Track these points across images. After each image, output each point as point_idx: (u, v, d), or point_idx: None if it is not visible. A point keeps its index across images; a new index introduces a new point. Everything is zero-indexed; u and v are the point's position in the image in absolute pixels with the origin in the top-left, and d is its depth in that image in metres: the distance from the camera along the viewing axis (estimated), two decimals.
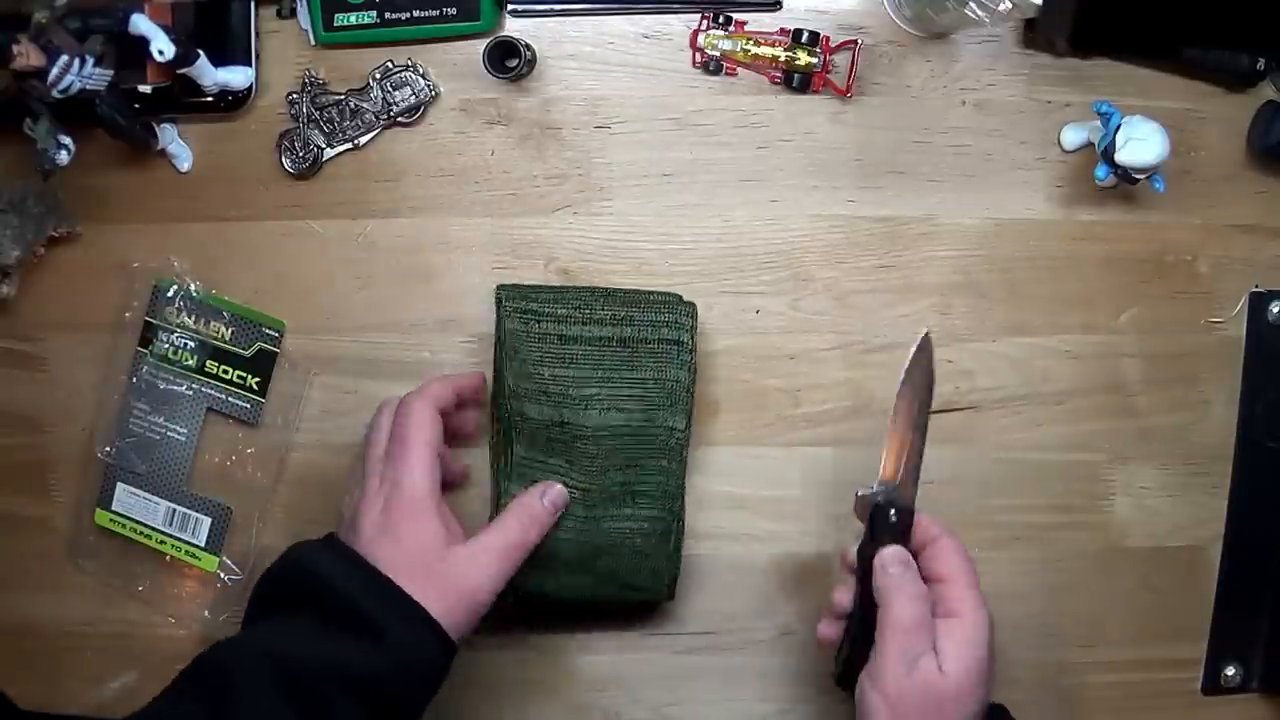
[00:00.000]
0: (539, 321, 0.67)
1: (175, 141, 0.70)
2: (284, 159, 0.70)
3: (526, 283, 0.69)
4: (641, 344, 0.67)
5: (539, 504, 0.63)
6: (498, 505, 0.68)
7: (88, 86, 0.60)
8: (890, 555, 0.59)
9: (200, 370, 0.71)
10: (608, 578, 0.67)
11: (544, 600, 0.68)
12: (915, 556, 0.60)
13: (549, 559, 0.66)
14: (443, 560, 0.58)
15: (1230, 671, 0.73)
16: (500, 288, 0.69)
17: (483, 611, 0.59)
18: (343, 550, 0.59)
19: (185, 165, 0.71)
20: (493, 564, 0.60)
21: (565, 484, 0.66)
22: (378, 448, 0.63)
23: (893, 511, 0.60)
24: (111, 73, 0.62)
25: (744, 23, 0.69)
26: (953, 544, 0.60)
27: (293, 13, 0.69)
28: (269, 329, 0.71)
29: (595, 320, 0.67)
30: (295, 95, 0.69)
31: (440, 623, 0.56)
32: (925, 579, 0.59)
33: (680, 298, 0.68)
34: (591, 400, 0.66)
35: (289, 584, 0.58)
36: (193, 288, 0.71)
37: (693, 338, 0.67)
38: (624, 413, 0.67)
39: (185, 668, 0.55)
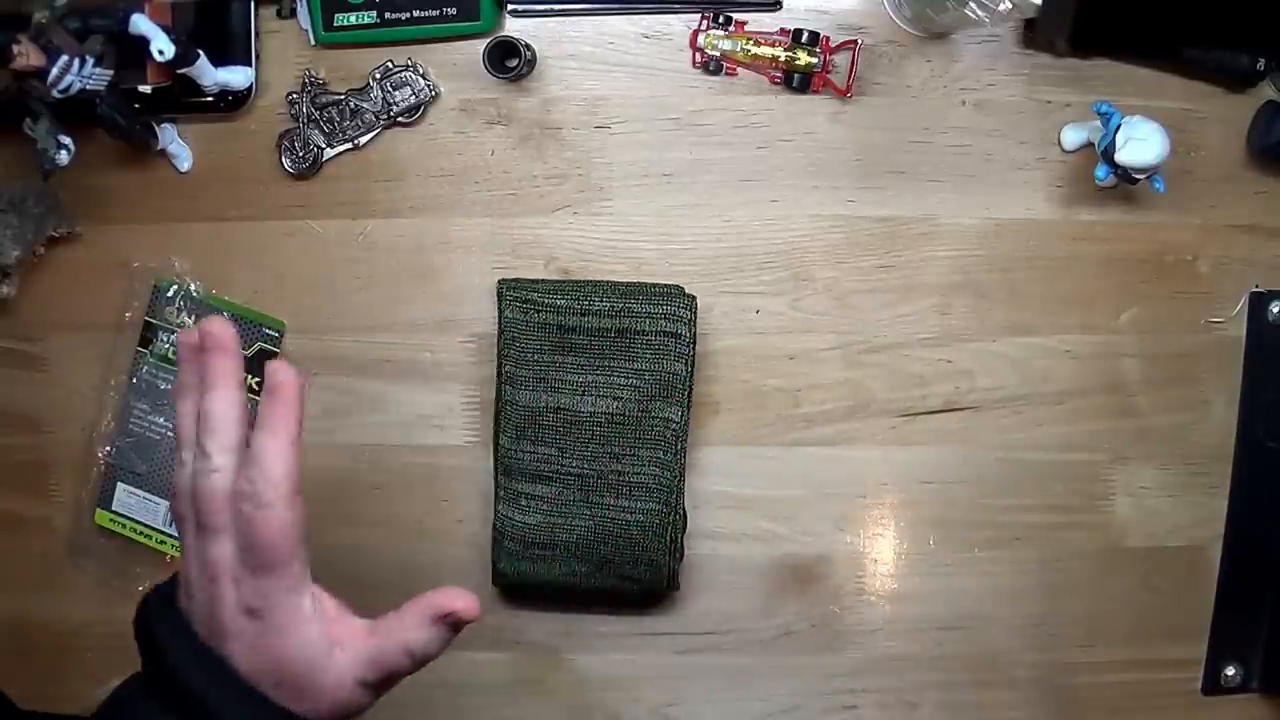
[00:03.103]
0: (538, 311, 0.67)
1: (175, 141, 0.70)
2: (284, 159, 0.70)
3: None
4: (639, 335, 0.67)
5: (433, 636, 0.48)
6: (497, 497, 0.69)
7: (88, 86, 0.60)
8: None
9: None
10: (603, 566, 0.68)
11: (541, 586, 0.68)
12: None
13: (545, 545, 0.67)
14: (317, 679, 0.46)
15: (1230, 671, 0.73)
16: (502, 281, 0.69)
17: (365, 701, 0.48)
18: (197, 647, 0.46)
19: (185, 165, 0.71)
20: (369, 682, 0.48)
21: (558, 470, 0.67)
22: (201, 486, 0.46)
23: None
24: (111, 73, 0.62)
25: (744, 23, 0.69)
26: None
27: (293, 13, 0.69)
28: (269, 329, 0.71)
29: (594, 312, 0.67)
30: (295, 95, 0.69)
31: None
32: None
33: (681, 290, 0.68)
34: (588, 388, 0.67)
35: (151, 668, 0.47)
36: (193, 288, 0.71)
37: (691, 330, 0.67)
38: (620, 401, 0.67)
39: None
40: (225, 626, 0.46)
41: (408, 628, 0.47)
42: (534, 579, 0.68)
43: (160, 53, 0.61)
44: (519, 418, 0.68)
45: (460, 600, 0.47)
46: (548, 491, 0.68)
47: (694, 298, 0.68)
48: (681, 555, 0.70)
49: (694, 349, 0.68)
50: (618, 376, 0.67)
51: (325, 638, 0.47)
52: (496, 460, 0.69)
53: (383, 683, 0.48)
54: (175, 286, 0.71)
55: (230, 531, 0.45)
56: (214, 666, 0.45)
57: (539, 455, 0.68)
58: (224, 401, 0.46)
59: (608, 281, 0.68)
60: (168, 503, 0.72)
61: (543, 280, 0.69)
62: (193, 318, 0.71)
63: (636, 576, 0.68)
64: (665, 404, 0.67)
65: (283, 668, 0.46)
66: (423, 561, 0.72)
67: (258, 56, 0.69)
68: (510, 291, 0.68)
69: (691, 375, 0.68)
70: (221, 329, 0.46)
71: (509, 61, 0.67)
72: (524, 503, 0.68)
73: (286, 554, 0.45)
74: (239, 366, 0.47)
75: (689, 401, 0.68)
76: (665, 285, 0.68)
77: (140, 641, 0.47)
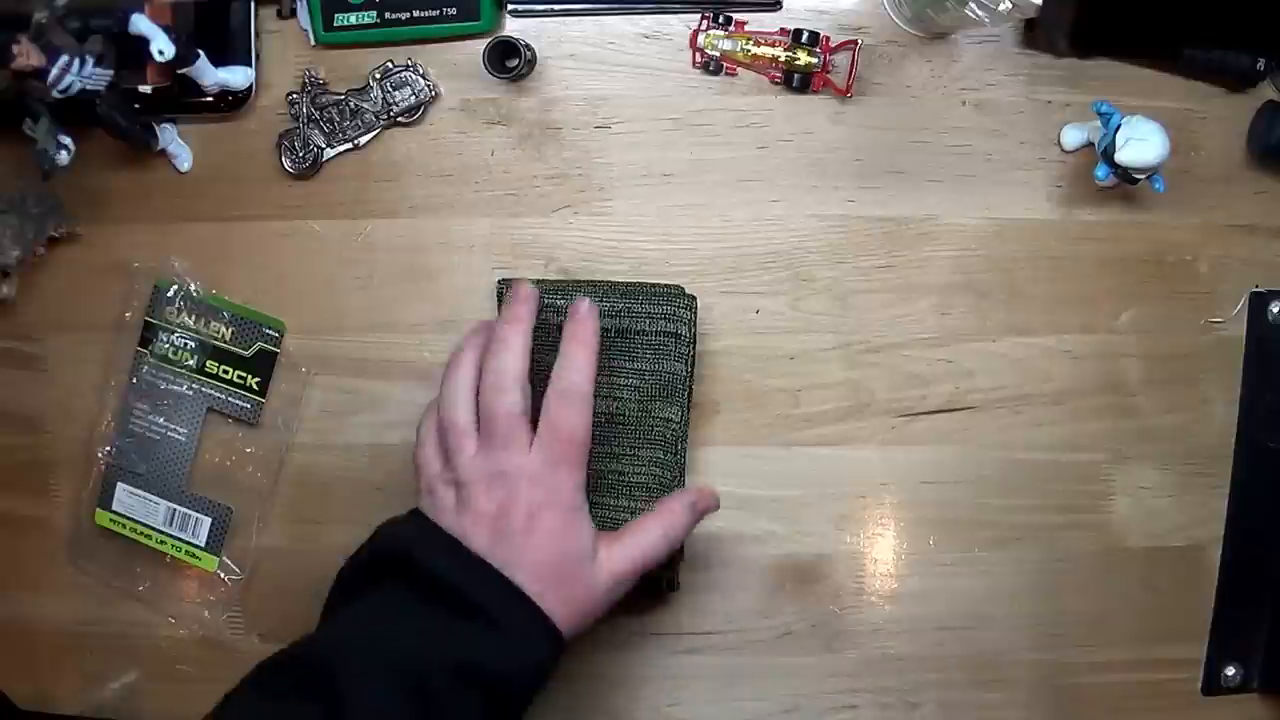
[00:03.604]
0: (539, 311, 0.67)
1: (175, 141, 0.70)
2: (284, 159, 0.70)
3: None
4: (639, 335, 0.67)
5: (689, 513, 0.60)
6: None
7: (88, 86, 0.60)
8: None
9: (200, 370, 0.71)
10: None
11: None
12: None
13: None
14: (580, 572, 0.56)
15: (1230, 671, 0.73)
16: (501, 281, 0.69)
17: (600, 615, 0.57)
18: (460, 551, 0.55)
19: (185, 165, 0.71)
20: (622, 574, 0.57)
21: None
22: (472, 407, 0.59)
23: None
24: (111, 73, 0.62)
25: (744, 23, 0.69)
26: None
27: (293, 13, 0.69)
28: (269, 329, 0.71)
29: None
30: (295, 95, 0.69)
31: (558, 625, 0.54)
32: None
33: (681, 290, 0.68)
34: None
35: (393, 570, 0.55)
36: (193, 288, 0.71)
37: (691, 330, 0.67)
38: (619, 401, 0.67)
39: (272, 663, 0.53)
40: (514, 527, 0.55)
41: (664, 518, 0.58)
42: None
43: (160, 53, 0.61)
44: None
45: (711, 494, 0.61)
46: None
47: (694, 297, 0.67)
48: (682, 555, 0.70)
49: (694, 349, 0.68)
50: (618, 377, 0.67)
51: (593, 533, 0.57)
52: None
53: (632, 576, 0.57)
54: (175, 286, 0.71)
55: (526, 440, 0.56)
56: (495, 577, 0.54)
57: None
58: (519, 337, 0.59)
59: (607, 281, 0.69)
60: (168, 502, 0.72)
61: (542, 280, 0.69)
62: (193, 318, 0.71)
63: None
64: (665, 404, 0.67)
65: (562, 565, 0.55)
66: None
67: (258, 56, 0.69)
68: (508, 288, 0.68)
69: (691, 375, 0.68)
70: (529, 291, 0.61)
71: (509, 61, 0.67)
72: None
73: (584, 446, 0.57)
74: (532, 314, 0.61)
75: (689, 401, 0.68)
76: (665, 285, 0.68)
77: (398, 558, 0.55)
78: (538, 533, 0.55)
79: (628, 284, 0.68)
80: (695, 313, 0.67)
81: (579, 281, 0.69)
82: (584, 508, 0.57)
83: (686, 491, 0.61)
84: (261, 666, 0.53)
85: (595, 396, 0.66)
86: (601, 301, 0.67)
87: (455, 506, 0.57)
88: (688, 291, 0.68)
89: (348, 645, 0.52)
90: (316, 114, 0.69)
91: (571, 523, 0.56)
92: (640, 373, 0.67)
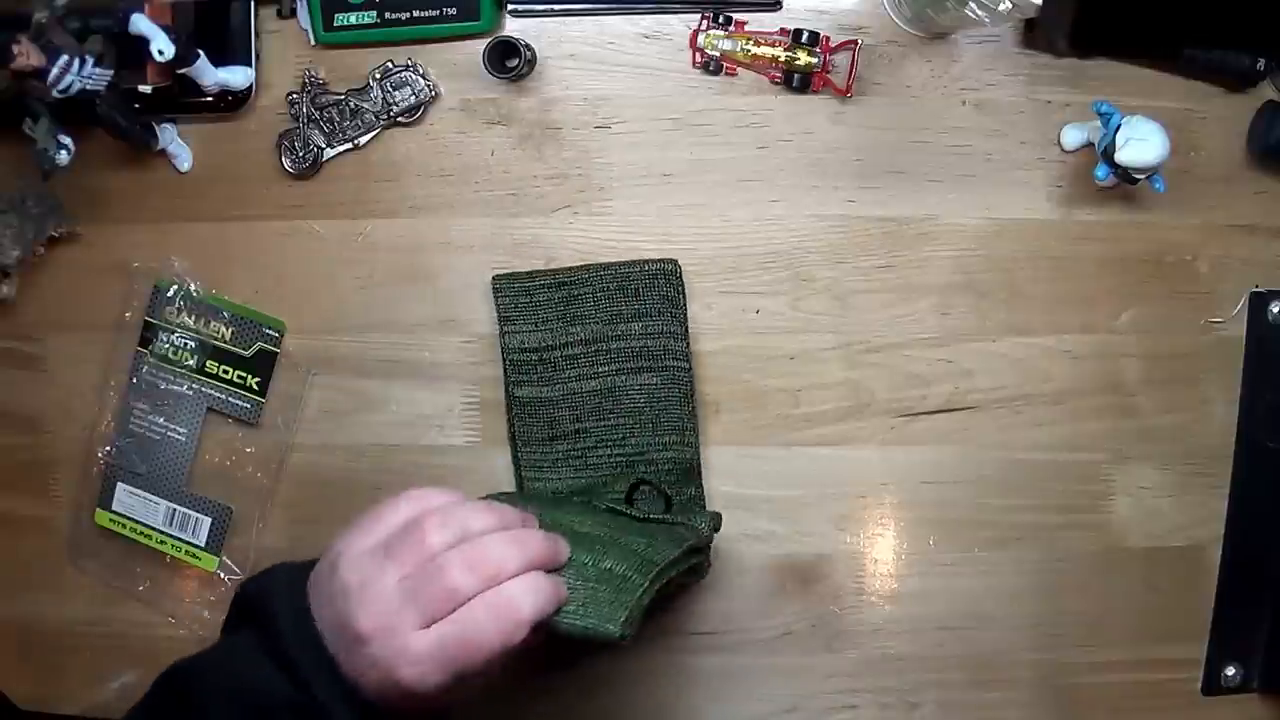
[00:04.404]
0: (534, 302, 0.69)
1: (175, 141, 0.70)
2: (284, 159, 0.70)
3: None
4: (635, 312, 0.69)
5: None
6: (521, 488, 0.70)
7: (88, 86, 0.60)
8: None
9: (200, 370, 0.71)
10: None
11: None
12: None
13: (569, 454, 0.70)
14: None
15: (1230, 671, 0.73)
16: (496, 277, 0.69)
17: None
18: (309, 631, 0.50)
19: (185, 165, 0.71)
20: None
21: (576, 449, 0.69)
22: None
23: None
24: (111, 73, 0.62)
25: (744, 23, 0.69)
26: None
27: (293, 13, 0.69)
28: (269, 329, 0.71)
29: (587, 296, 0.69)
30: (295, 95, 0.69)
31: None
32: None
33: (663, 261, 0.68)
34: (588, 366, 0.69)
35: (252, 615, 0.52)
36: (193, 288, 0.71)
37: (683, 326, 0.68)
38: (620, 372, 0.69)
39: (161, 676, 0.52)
40: (374, 667, 0.49)
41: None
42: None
43: (160, 53, 0.61)
44: (530, 415, 0.68)
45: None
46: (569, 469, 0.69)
47: (675, 261, 0.68)
48: (703, 506, 0.70)
49: (688, 337, 0.69)
50: (617, 344, 0.68)
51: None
52: (516, 463, 0.70)
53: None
54: (175, 286, 0.71)
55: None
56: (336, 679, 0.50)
57: (557, 450, 0.69)
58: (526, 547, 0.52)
59: (597, 263, 0.69)
60: (168, 502, 0.72)
61: (536, 271, 0.69)
62: (193, 318, 0.71)
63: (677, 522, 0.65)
64: (676, 357, 0.69)
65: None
66: None
67: (258, 56, 0.69)
68: (506, 284, 0.69)
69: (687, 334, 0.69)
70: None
71: (509, 61, 0.67)
72: (557, 453, 0.69)
73: (478, 667, 0.50)
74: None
75: (687, 349, 0.69)
76: (643, 261, 0.68)
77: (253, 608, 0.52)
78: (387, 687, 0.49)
79: (615, 264, 0.69)
80: (686, 320, 0.68)
81: (570, 268, 0.69)
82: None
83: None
84: (156, 681, 0.53)
85: (596, 376, 0.67)
86: (593, 285, 0.68)
87: (348, 593, 0.50)
88: (667, 259, 0.68)
89: (209, 672, 0.51)
90: (316, 114, 0.69)
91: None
92: (641, 338, 0.68)
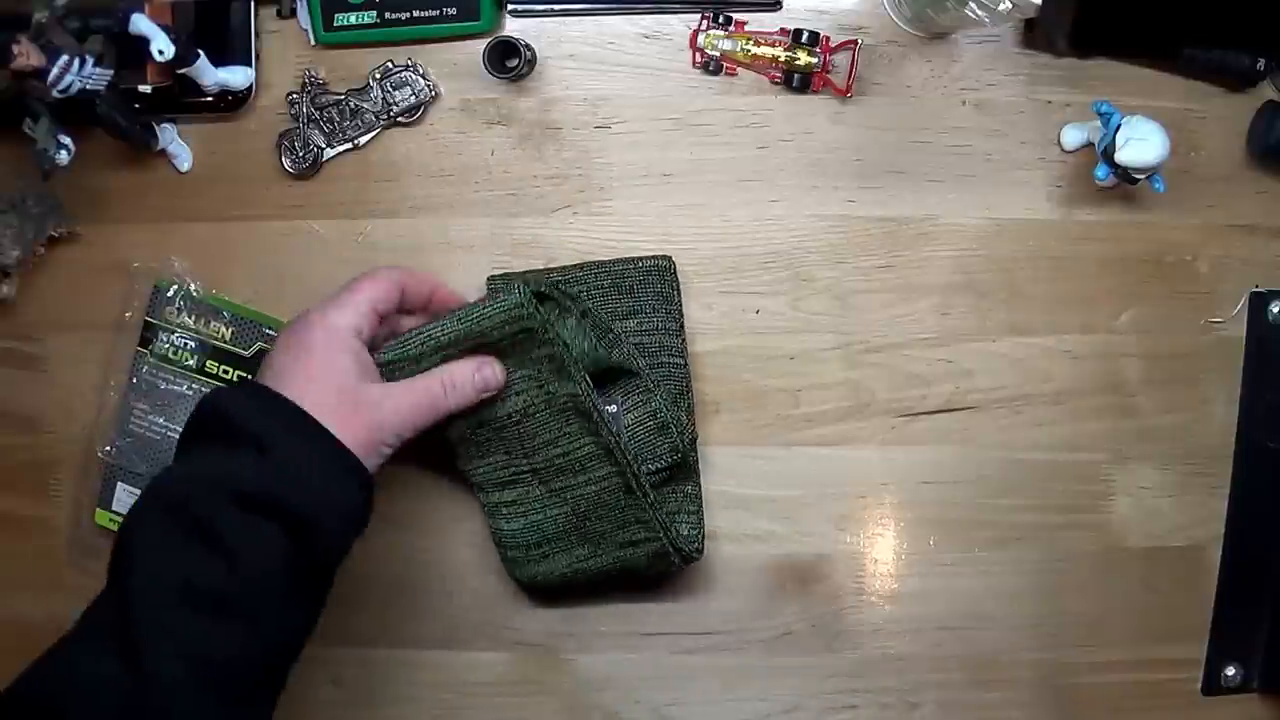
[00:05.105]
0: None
1: (175, 141, 0.70)
2: (284, 159, 0.70)
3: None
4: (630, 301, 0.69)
5: (470, 376, 0.62)
6: (483, 510, 0.69)
7: (88, 86, 0.60)
8: None
9: (200, 370, 0.71)
10: (600, 541, 0.67)
11: (560, 581, 0.69)
12: None
13: (539, 543, 0.67)
14: (353, 391, 0.56)
15: (1230, 671, 0.73)
16: (491, 278, 0.69)
17: (386, 451, 0.57)
18: (246, 384, 0.57)
19: (185, 165, 0.71)
20: (402, 409, 0.58)
21: (516, 474, 0.67)
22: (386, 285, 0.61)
23: None
24: (111, 73, 0.62)
25: (744, 23, 0.69)
26: None
27: (293, 13, 0.69)
28: (269, 329, 0.71)
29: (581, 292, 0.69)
30: (295, 95, 0.69)
31: (339, 439, 0.54)
32: None
33: (669, 300, 0.68)
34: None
35: (198, 421, 0.56)
36: (193, 288, 0.71)
37: (679, 322, 0.68)
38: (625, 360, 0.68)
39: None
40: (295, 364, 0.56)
41: (445, 377, 0.62)
42: (549, 578, 0.68)
43: (160, 53, 0.61)
44: (468, 433, 0.67)
45: (492, 369, 0.63)
46: (515, 495, 0.68)
47: (669, 258, 0.68)
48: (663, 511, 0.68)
49: (683, 332, 0.69)
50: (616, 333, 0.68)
51: (367, 372, 0.59)
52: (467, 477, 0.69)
53: (416, 416, 0.60)
54: (175, 286, 0.71)
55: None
56: (272, 404, 0.54)
57: (492, 464, 0.67)
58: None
59: (591, 261, 0.69)
60: None
61: (531, 270, 0.69)
62: (193, 318, 0.71)
63: (635, 540, 0.66)
64: (672, 354, 0.68)
65: (340, 395, 0.56)
66: (423, 560, 0.72)
67: (258, 56, 0.69)
68: (501, 285, 0.69)
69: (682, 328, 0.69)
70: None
71: (509, 61, 0.67)
72: (504, 511, 0.68)
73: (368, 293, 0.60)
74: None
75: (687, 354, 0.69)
76: (637, 258, 0.68)
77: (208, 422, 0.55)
78: (313, 368, 0.56)
79: (608, 261, 0.69)
80: (675, 273, 0.68)
81: (564, 267, 0.69)
82: (349, 334, 0.58)
83: (468, 361, 0.62)
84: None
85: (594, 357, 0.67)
86: (589, 281, 0.68)
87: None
88: (659, 255, 0.68)
89: (145, 492, 0.54)
90: (316, 114, 0.69)
91: (332, 345, 0.57)
92: (639, 331, 0.68)
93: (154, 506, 0.52)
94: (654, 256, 0.68)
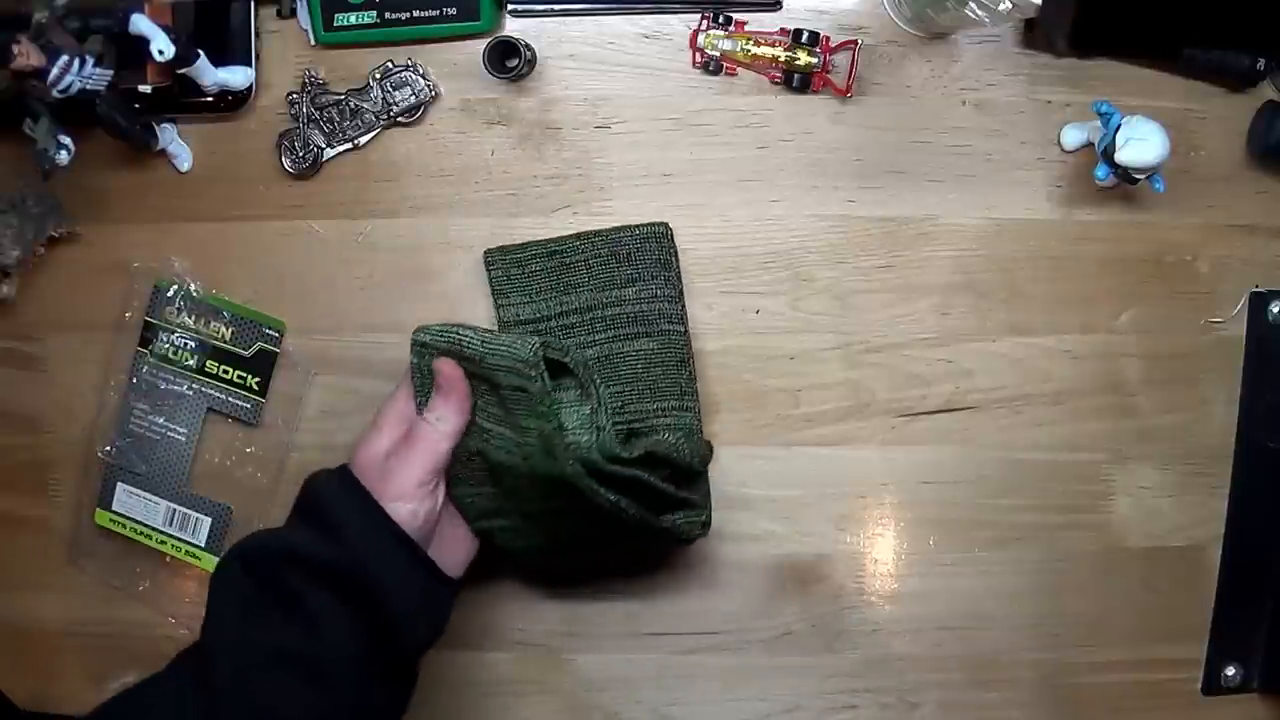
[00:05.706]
0: (527, 275, 0.70)
1: (175, 141, 0.70)
2: (284, 159, 0.70)
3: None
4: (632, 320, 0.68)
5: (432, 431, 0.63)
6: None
7: (88, 86, 0.60)
8: None
9: (200, 370, 0.71)
10: (612, 527, 0.63)
11: (566, 564, 0.70)
12: None
13: (544, 549, 0.67)
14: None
15: (1230, 671, 0.73)
16: (488, 251, 0.69)
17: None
18: (337, 472, 0.62)
19: (185, 165, 0.71)
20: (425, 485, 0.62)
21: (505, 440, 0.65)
22: (400, 400, 0.65)
23: None
24: (111, 73, 0.62)
25: (744, 23, 0.69)
26: None
27: (293, 13, 0.69)
28: (269, 329, 0.71)
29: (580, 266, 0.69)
30: (295, 95, 0.69)
31: (405, 529, 0.59)
32: None
33: (667, 265, 0.68)
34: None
35: (299, 500, 0.63)
36: (193, 288, 0.71)
37: (677, 289, 0.68)
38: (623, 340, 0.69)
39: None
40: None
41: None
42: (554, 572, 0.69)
43: (160, 53, 0.61)
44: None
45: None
46: (499, 525, 0.66)
47: (665, 223, 0.68)
48: (708, 496, 0.68)
49: (682, 297, 0.69)
50: (612, 310, 0.68)
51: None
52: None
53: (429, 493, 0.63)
54: (175, 286, 0.71)
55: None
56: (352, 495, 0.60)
57: (479, 494, 0.66)
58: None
59: (588, 231, 0.69)
60: (168, 502, 0.72)
61: (528, 242, 0.69)
62: (193, 318, 0.71)
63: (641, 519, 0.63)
64: (670, 321, 0.68)
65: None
66: None
67: (258, 56, 0.69)
68: (497, 256, 0.69)
69: (682, 301, 0.69)
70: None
71: (509, 61, 0.67)
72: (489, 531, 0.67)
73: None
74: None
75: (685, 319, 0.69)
76: (633, 225, 0.68)
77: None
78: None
79: (606, 231, 0.68)
80: (672, 240, 0.68)
81: (561, 238, 0.69)
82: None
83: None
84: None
85: (594, 344, 0.68)
86: (588, 253, 0.68)
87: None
88: (658, 222, 0.68)
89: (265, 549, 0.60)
90: (316, 114, 0.69)
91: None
92: (637, 299, 0.68)
93: (240, 566, 0.60)
94: (650, 223, 0.68)
